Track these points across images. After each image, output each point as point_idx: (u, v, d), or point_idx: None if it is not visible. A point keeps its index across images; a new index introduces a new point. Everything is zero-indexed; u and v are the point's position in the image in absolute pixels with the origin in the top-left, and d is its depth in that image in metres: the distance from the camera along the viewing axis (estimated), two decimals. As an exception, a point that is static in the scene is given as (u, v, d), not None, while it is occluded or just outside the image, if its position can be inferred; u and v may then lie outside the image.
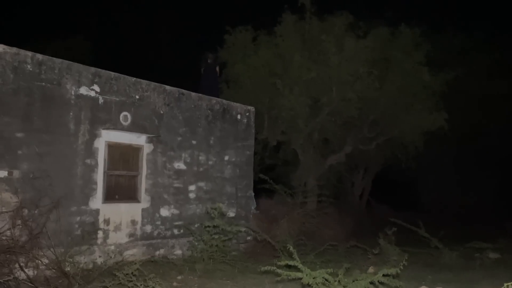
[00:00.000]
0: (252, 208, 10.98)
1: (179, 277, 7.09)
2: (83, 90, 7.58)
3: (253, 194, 11.05)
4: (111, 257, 7.55)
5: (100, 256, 7.54)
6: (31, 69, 6.92)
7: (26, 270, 6.17)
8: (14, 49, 6.77)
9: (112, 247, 7.83)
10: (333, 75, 12.43)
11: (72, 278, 6.12)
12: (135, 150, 8.45)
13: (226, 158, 10.22)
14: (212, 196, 9.78)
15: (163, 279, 6.56)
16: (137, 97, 8.42)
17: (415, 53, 13.48)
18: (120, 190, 8.18)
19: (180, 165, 9.18)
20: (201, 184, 9.60)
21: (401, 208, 16.28)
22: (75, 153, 7.42)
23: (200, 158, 9.61)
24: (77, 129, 7.46)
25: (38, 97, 6.99)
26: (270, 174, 11.83)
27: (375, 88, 12.62)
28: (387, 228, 9.48)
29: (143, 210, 8.45)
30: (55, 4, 21.90)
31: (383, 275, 5.04)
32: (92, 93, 7.71)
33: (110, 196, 7.95)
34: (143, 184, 8.51)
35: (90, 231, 7.47)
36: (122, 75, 8.24)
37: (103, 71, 7.94)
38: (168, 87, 9.05)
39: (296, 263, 5.12)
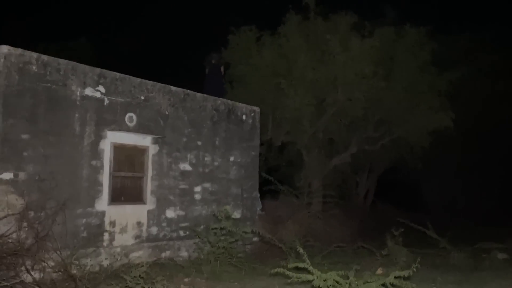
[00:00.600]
0: (258, 209, 10.92)
1: (186, 279, 7.03)
2: (89, 91, 7.53)
3: (258, 195, 11.00)
4: (117, 259, 7.48)
5: (106, 259, 7.47)
6: (36, 70, 6.87)
7: (32, 273, 6.11)
8: (19, 50, 6.71)
9: (118, 249, 7.77)
10: (338, 75, 12.35)
11: (79, 281, 6.05)
12: (140, 151, 8.39)
13: (232, 159, 10.16)
14: (218, 197, 9.72)
15: (170, 282, 6.50)
16: (142, 98, 8.37)
17: (420, 53, 13.40)
18: (126, 192, 8.12)
19: (185, 166, 9.12)
20: (207, 185, 9.53)
21: (405, 209, 16.19)
22: (81, 155, 7.36)
23: (206, 159, 9.55)
24: (83, 131, 7.41)
25: (43, 99, 6.93)
26: (274, 175, 11.80)
27: (380, 88, 12.53)
28: (394, 229, 9.40)
29: (148, 211, 8.40)
30: (57, 5, 21.91)
31: (395, 277, 4.97)
32: (98, 94, 7.65)
33: (116, 197, 7.89)
34: (149, 185, 8.45)
35: (96, 233, 7.42)
36: (127, 76, 8.18)
37: (108, 72, 7.89)
38: (173, 88, 9.00)
39: (307, 265, 5.05)
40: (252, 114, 10.86)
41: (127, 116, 8.07)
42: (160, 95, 8.72)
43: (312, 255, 8.68)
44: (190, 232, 8.94)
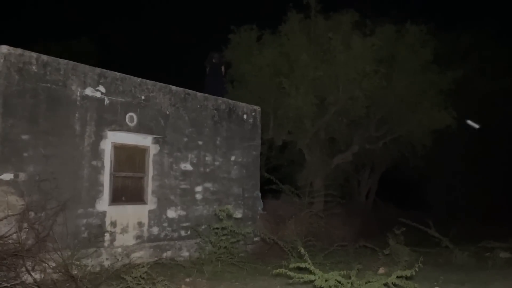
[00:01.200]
0: (259, 208, 10.88)
1: (187, 280, 7.00)
2: (89, 91, 7.50)
3: (259, 194, 10.96)
4: (118, 259, 7.47)
5: (107, 259, 7.46)
6: (36, 70, 6.85)
7: (33, 274, 6.09)
8: (19, 50, 6.69)
9: (119, 250, 7.74)
10: (339, 73, 12.31)
11: (80, 281, 6.03)
12: (141, 151, 8.37)
13: (233, 158, 10.13)
14: (219, 197, 9.69)
15: (171, 282, 6.47)
16: (143, 97, 8.34)
17: (422, 51, 13.32)
18: (127, 192, 8.09)
19: (186, 166, 9.09)
20: (208, 185, 9.50)
21: (407, 208, 16.14)
22: (81, 155, 7.34)
23: (207, 158, 9.52)
24: (83, 131, 7.39)
25: (43, 99, 6.91)
26: (276, 175, 11.74)
27: (382, 87, 12.48)
28: (396, 228, 9.36)
29: (149, 211, 8.37)
30: (58, 5, 21.89)
31: (397, 277, 4.93)
32: (98, 94, 7.63)
33: (117, 198, 7.87)
34: (150, 185, 8.43)
35: (97, 233, 7.39)
36: (128, 75, 8.16)
37: (109, 71, 7.87)
38: (174, 88, 8.97)
39: (308, 265, 5.02)
40: (253, 114, 10.82)
41: (127, 116, 8.05)
42: (161, 94, 8.69)
43: (314, 255, 8.67)
44: (191, 232, 8.92)
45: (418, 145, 14.81)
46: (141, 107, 8.29)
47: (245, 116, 10.58)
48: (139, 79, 8.34)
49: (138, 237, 8.11)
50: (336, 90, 12.65)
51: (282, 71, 12.73)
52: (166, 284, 5.88)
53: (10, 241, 6.11)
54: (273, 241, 9.02)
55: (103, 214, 7.58)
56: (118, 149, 7.91)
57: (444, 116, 13.35)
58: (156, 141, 8.55)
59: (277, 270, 5.19)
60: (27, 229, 6.38)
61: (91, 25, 22.65)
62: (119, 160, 7.95)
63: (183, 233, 8.90)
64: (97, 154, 7.56)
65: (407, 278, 5.13)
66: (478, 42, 17.31)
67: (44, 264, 6.28)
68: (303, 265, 5.15)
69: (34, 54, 6.85)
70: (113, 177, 7.80)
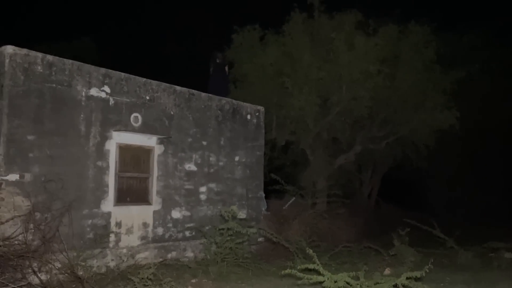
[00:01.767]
0: (263, 209, 10.86)
1: (193, 280, 6.98)
2: (94, 91, 7.48)
3: (263, 195, 10.94)
4: (123, 260, 7.45)
5: (112, 260, 7.44)
6: (41, 71, 6.82)
7: (39, 275, 6.07)
8: (24, 50, 6.67)
9: (124, 250, 7.72)
10: (342, 73, 12.29)
11: (86, 282, 6.02)
12: (146, 152, 8.34)
13: (237, 158, 10.11)
14: (223, 198, 9.67)
15: (177, 283, 6.46)
16: (147, 98, 8.32)
17: (425, 51, 13.31)
18: (132, 193, 8.07)
19: (191, 166, 9.07)
20: (212, 185, 9.48)
21: (409, 208, 16.11)
22: (87, 155, 7.32)
23: (211, 159, 9.50)
24: (88, 131, 7.36)
25: (48, 99, 6.89)
26: (278, 175, 11.73)
27: (385, 87, 12.47)
28: (400, 228, 9.34)
29: (154, 212, 8.35)
30: (61, 5, 21.86)
31: (407, 278, 4.91)
32: (103, 94, 7.61)
33: (122, 198, 7.85)
34: (154, 186, 8.41)
35: (102, 234, 7.37)
36: (132, 75, 8.13)
37: (113, 72, 7.84)
38: (178, 88, 8.94)
39: (317, 266, 5.00)
40: (257, 114, 10.80)
41: (132, 116, 8.02)
42: (165, 95, 8.67)
43: (319, 255, 8.59)
44: (196, 232, 8.90)
45: (420, 145, 14.79)
46: (145, 107, 8.27)
47: (249, 116, 10.56)
48: (143, 79, 8.32)
49: (143, 237, 8.09)
50: (339, 90, 12.64)
51: (285, 71, 12.71)
52: (172, 285, 5.87)
53: (16, 242, 6.09)
54: (278, 241, 8.99)
55: (108, 214, 7.56)
56: (123, 149, 7.89)
57: (447, 116, 13.34)
58: (160, 142, 8.52)
59: (286, 271, 5.18)
60: (33, 230, 6.36)
61: (93, 25, 22.62)
62: (124, 160, 7.93)
63: (187, 233, 8.88)
64: (102, 154, 7.53)
65: (416, 279, 5.12)
66: (481, 42, 17.29)
67: (50, 265, 6.26)
68: (311, 266, 5.14)
69: (39, 54, 6.82)
70: (118, 177, 7.78)
